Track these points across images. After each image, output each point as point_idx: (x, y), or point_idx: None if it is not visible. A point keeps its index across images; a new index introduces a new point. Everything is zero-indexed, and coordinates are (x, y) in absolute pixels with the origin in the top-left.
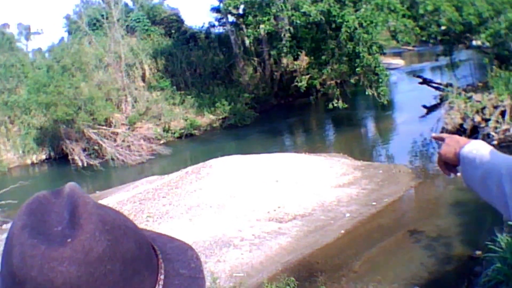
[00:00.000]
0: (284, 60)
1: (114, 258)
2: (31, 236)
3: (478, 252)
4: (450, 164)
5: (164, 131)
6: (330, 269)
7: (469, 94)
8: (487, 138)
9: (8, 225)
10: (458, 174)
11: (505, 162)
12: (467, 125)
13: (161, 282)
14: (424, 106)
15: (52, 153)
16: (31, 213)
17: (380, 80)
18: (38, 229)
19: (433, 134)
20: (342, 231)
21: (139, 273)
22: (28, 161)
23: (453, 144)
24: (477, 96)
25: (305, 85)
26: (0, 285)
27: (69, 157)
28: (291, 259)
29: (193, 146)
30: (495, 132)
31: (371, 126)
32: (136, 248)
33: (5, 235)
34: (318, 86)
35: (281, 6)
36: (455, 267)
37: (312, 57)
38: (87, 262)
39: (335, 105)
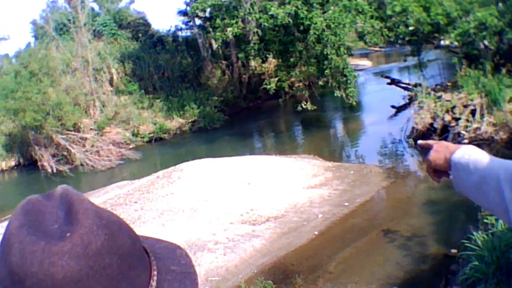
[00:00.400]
0: (252, 63)
1: (112, 252)
2: (30, 233)
3: (454, 251)
4: (440, 171)
5: (133, 135)
6: (306, 271)
7: (438, 94)
8: (457, 137)
9: None
10: (451, 177)
11: (502, 166)
12: (437, 125)
13: (155, 278)
14: (393, 107)
15: (21, 160)
16: (27, 213)
17: (349, 81)
18: (36, 227)
19: (420, 142)
20: (316, 232)
21: (135, 268)
22: None
23: (443, 150)
24: (446, 96)
25: (274, 87)
26: None
27: (39, 163)
28: (266, 262)
29: (163, 150)
30: (466, 131)
31: (340, 127)
32: (131, 243)
33: None
34: (286, 88)
35: (249, 9)
36: (431, 265)
37: (280, 60)
38: (87, 256)
39: (304, 107)
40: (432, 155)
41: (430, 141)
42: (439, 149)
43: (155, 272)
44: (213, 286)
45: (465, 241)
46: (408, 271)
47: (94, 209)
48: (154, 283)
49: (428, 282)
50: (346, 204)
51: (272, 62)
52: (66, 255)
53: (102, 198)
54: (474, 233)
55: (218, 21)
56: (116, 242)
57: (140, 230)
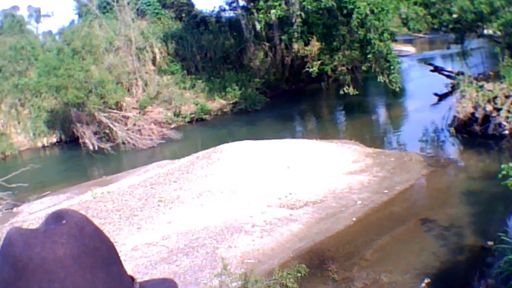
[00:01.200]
0: (295, 46)
1: (101, 239)
2: (30, 230)
3: (490, 243)
4: None
5: (174, 115)
6: (342, 257)
7: (480, 83)
8: (498, 127)
9: (19, 208)
10: None
11: None
12: (479, 114)
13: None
14: (436, 94)
15: (63, 136)
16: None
17: (392, 67)
18: (31, 229)
19: None
20: (354, 219)
21: (118, 265)
22: (39, 144)
23: None
24: (488, 85)
25: (316, 71)
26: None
27: (80, 140)
28: (302, 246)
29: (203, 131)
30: (507, 122)
31: (382, 113)
32: (112, 246)
33: (16, 218)
34: (329, 72)
35: None
36: (466, 257)
37: (323, 43)
38: (82, 236)
39: (346, 91)
40: None
41: None
42: None
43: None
44: (248, 268)
45: (501, 234)
46: (443, 262)
47: (79, 214)
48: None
49: (463, 274)
50: (385, 191)
51: (315, 45)
52: (64, 235)
53: (142, 176)
54: (511, 225)
55: (261, 2)
56: (102, 234)
57: (179, 209)
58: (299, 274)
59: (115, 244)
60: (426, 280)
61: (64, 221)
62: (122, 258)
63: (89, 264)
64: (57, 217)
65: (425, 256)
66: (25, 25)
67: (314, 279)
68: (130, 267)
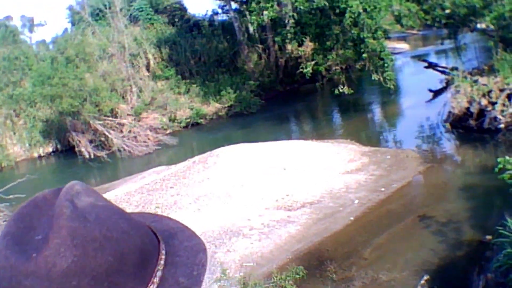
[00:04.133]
0: (289, 47)
1: (81, 273)
2: (7, 247)
3: (489, 237)
4: None
5: (170, 120)
6: (340, 257)
7: (475, 78)
8: (494, 121)
9: None
10: None
11: None
12: (474, 109)
13: None
14: (430, 90)
15: (58, 146)
16: (19, 219)
17: (386, 64)
18: (18, 238)
19: None
20: (351, 218)
21: (119, 285)
22: (35, 154)
23: None
24: (483, 80)
25: (311, 71)
26: None
27: (76, 149)
28: (301, 248)
29: (199, 135)
30: (502, 115)
31: (377, 111)
32: (115, 260)
33: None
34: (323, 72)
35: None
36: (465, 252)
37: (317, 43)
38: (50, 278)
39: (341, 90)
40: None
41: None
42: None
43: (154, 287)
44: (247, 272)
45: (500, 228)
46: (442, 258)
47: (71, 225)
48: None
49: (462, 269)
50: (382, 189)
51: (308, 46)
52: (30, 276)
53: (139, 183)
54: (509, 219)
55: (253, 4)
56: (89, 263)
57: (176, 215)
58: (298, 276)
59: None
60: (425, 277)
61: (34, 255)
62: None
63: None
64: (46, 233)
65: (424, 253)
66: (19, 35)
67: (313, 280)
68: None
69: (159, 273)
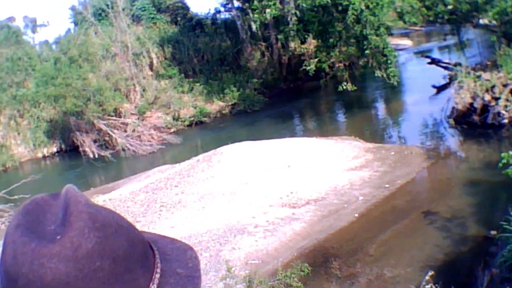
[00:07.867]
0: (292, 44)
1: (104, 255)
2: (23, 234)
3: (493, 232)
4: None
5: (174, 119)
6: (345, 254)
7: (478, 73)
8: (497, 117)
9: None
10: None
11: None
12: (477, 104)
13: (156, 281)
14: (434, 86)
15: (63, 146)
16: (27, 213)
17: (389, 61)
18: (32, 228)
19: None
20: (356, 215)
21: (132, 271)
22: (39, 155)
23: None
24: (486, 75)
25: (314, 68)
26: None
27: (80, 148)
28: (305, 245)
29: (203, 134)
30: (506, 111)
31: (381, 108)
32: (128, 246)
33: None
34: (327, 69)
35: None
36: (470, 247)
37: (320, 40)
38: (76, 259)
39: (345, 87)
40: None
41: None
42: None
43: (157, 275)
44: (252, 270)
45: (504, 223)
46: (447, 253)
47: (90, 211)
48: (154, 286)
49: (467, 264)
50: (387, 186)
51: (311, 43)
52: (55, 257)
53: (144, 182)
54: None
55: (256, 2)
56: (109, 245)
57: (181, 213)
58: (303, 273)
59: None
60: (430, 273)
61: (58, 237)
62: None
63: None
64: (61, 222)
65: (429, 249)
66: (21, 35)
67: (318, 277)
68: None
69: (159, 265)
